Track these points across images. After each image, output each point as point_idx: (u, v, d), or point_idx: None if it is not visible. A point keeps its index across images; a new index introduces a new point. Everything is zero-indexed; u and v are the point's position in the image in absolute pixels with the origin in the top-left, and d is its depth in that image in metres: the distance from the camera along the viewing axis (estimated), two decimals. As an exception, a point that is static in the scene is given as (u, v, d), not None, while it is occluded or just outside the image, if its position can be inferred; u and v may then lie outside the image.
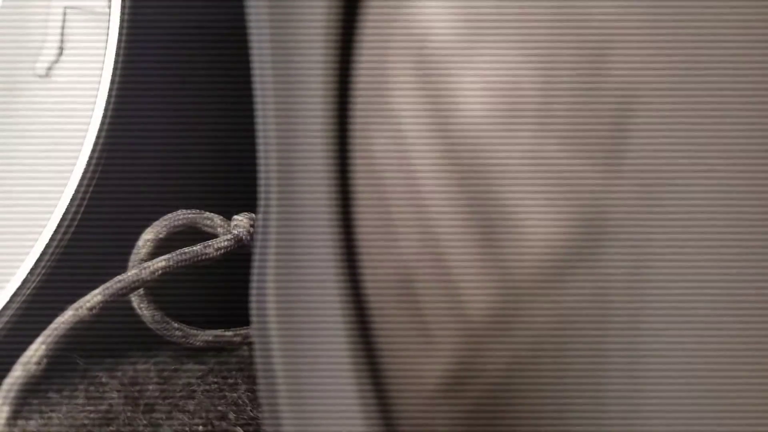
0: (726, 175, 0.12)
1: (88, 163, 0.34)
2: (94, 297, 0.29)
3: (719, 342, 0.12)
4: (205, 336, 0.34)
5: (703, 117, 0.12)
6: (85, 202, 0.34)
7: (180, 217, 0.33)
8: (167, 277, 0.30)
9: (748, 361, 0.12)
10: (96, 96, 0.34)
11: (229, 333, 0.35)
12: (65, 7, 0.39)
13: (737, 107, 0.12)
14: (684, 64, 0.12)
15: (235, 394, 0.32)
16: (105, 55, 0.35)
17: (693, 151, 0.12)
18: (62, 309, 0.29)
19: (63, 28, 0.39)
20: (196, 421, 0.30)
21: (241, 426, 0.30)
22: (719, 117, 0.12)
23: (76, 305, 0.28)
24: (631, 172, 0.12)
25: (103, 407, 0.30)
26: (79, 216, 0.34)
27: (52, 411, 0.30)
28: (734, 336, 0.12)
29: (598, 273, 0.13)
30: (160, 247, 0.32)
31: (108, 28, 0.35)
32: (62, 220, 0.34)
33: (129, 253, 0.32)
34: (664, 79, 0.12)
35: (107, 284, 0.29)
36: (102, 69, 0.34)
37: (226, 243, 0.32)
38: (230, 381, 0.33)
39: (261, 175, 0.22)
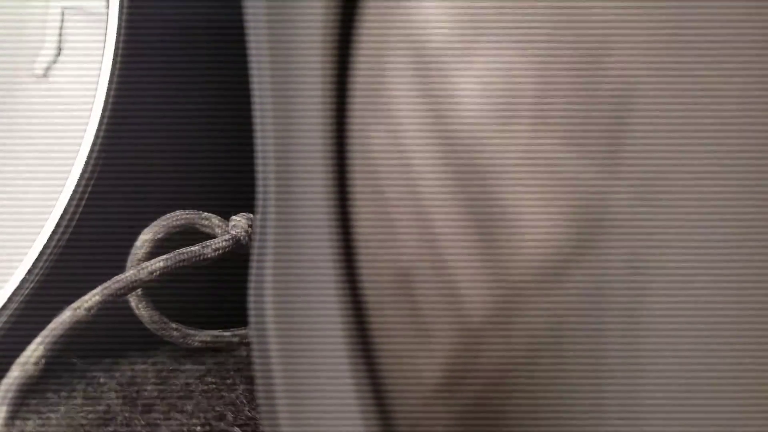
0: (724, 172, 0.12)
1: (87, 163, 0.34)
2: (92, 297, 0.29)
3: (718, 339, 0.12)
4: (202, 336, 0.34)
5: (701, 115, 0.12)
6: (83, 203, 0.34)
7: (178, 217, 0.33)
8: (165, 277, 0.30)
9: (747, 357, 0.12)
10: (94, 96, 0.34)
11: (227, 333, 0.35)
12: (63, 8, 0.39)
13: (735, 105, 0.12)
14: (681, 61, 0.12)
15: (233, 395, 0.32)
16: (103, 55, 0.35)
17: (690, 149, 0.12)
18: (60, 309, 0.29)
19: (61, 28, 0.39)
20: (194, 421, 0.30)
21: (239, 426, 0.30)
22: (717, 115, 0.12)
23: (74, 305, 0.28)
24: (629, 170, 0.12)
25: (101, 408, 0.30)
26: (77, 216, 0.34)
27: (50, 411, 0.30)
28: (733, 333, 0.12)
29: (596, 271, 0.13)
30: (158, 248, 0.32)
31: (106, 28, 0.35)
32: (60, 220, 0.34)
33: (127, 254, 0.32)
34: (661, 76, 0.12)
35: (105, 285, 0.29)
36: (100, 69, 0.34)
37: (224, 243, 0.32)
38: (228, 381, 0.33)
39: (259, 175, 0.22)
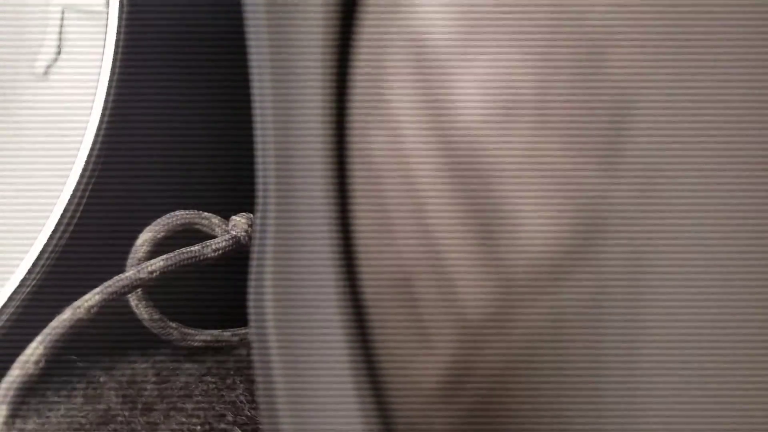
0: (723, 175, 0.12)
1: (87, 163, 0.34)
2: (92, 297, 0.29)
3: (717, 340, 0.12)
4: (203, 336, 0.34)
5: (701, 117, 0.12)
6: (83, 202, 0.34)
7: (178, 217, 0.33)
8: (165, 277, 0.30)
9: (746, 359, 0.12)
10: (94, 96, 0.34)
11: (227, 333, 0.35)
12: (63, 8, 0.39)
13: (735, 107, 0.12)
14: (682, 64, 0.12)
15: (233, 395, 0.32)
16: (103, 55, 0.35)
17: (690, 151, 0.12)
18: (61, 309, 0.29)
19: (61, 28, 0.39)
20: (194, 421, 0.30)
21: (239, 426, 0.30)
22: (717, 117, 0.12)
23: (74, 305, 0.28)
24: (629, 172, 0.13)
25: (101, 407, 0.31)
26: (77, 216, 0.34)
27: (50, 411, 0.30)
28: (732, 334, 0.12)
29: (596, 273, 0.13)
30: (159, 248, 0.32)
31: (106, 28, 0.35)
32: (60, 219, 0.34)
33: (127, 254, 0.32)
34: (662, 79, 0.12)
35: (105, 284, 0.29)
36: (100, 69, 0.34)
37: (224, 243, 0.32)
38: (228, 381, 0.33)
39: (259, 175, 0.22)
